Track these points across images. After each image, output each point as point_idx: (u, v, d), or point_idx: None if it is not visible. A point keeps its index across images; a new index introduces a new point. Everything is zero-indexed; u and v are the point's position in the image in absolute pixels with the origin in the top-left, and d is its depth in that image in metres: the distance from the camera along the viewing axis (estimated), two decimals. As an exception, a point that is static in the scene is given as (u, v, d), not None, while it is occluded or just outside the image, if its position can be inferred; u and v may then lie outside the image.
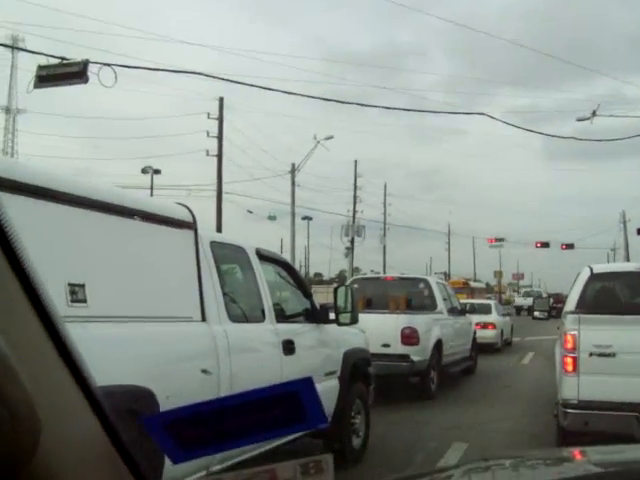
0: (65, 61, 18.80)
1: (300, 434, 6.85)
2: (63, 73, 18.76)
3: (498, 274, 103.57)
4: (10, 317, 0.80)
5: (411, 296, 16.18)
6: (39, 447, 0.79)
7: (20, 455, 0.77)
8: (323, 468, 1.13)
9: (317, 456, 1.17)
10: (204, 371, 5.38)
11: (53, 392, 0.83)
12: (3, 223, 0.79)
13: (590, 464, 2.27)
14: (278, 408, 1.03)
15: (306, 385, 1.03)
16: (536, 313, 11.97)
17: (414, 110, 45.32)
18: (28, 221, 3.48)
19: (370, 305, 15.30)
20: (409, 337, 13.77)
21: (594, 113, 27.77)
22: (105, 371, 3.81)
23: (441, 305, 16.29)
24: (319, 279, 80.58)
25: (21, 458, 0.78)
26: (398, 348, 13.66)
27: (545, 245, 60.62)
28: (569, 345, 8.37)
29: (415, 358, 13.73)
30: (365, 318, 11.53)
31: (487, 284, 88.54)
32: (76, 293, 4.21)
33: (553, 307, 12.04)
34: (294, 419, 1.04)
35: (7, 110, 65.61)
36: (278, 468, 1.12)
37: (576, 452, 2.77)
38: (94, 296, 4.35)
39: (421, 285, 16.89)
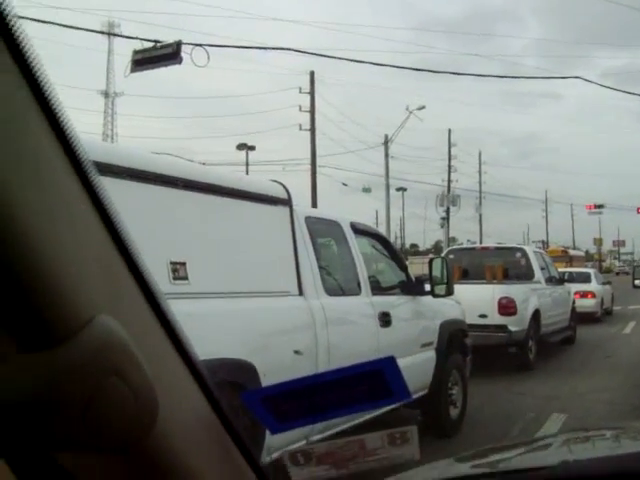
0: (159, 44, 19.18)
1: (397, 405, 6.94)
2: (157, 55, 19.17)
3: (598, 241, 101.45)
4: (121, 301, 0.87)
5: (508, 266, 16.08)
6: (156, 425, 0.88)
7: (140, 433, 0.86)
8: (408, 438, 1.21)
9: (403, 427, 1.24)
10: (296, 352, 5.49)
11: (164, 373, 0.91)
12: (106, 207, 0.85)
13: None
14: (364, 384, 1.11)
15: (389, 364, 1.11)
16: (637, 282, 11.76)
17: (507, 77, 44.63)
18: (129, 204, 3.62)
19: (466, 275, 15.38)
20: (506, 307, 13.62)
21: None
22: (209, 345, 3.97)
23: (538, 274, 16.06)
24: (415, 250, 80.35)
25: (139, 435, 0.86)
26: (495, 318, 13.53)
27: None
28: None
29: (513, 328, 13.58)
30: (461, 289, 11.52)
31: (586, 252, 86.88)
32: (178, 271, 4.36)
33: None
34: (380, 394, 1.12)
35: (106, 94, 67.15)
36: (367, 438, 1.20)
37: None
38: (195, 273, 4.49)
39: (518, 254, 16.68)
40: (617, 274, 73.53)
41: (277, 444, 4.12)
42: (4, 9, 0.69)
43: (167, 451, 0.93)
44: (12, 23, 0.70)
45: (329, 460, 1.18)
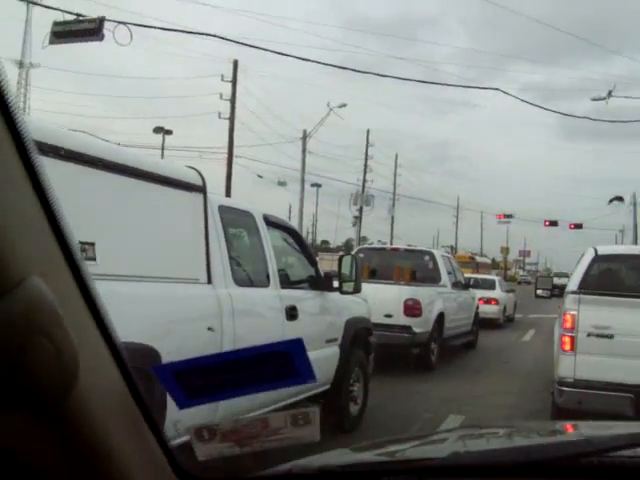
0: (81, 18, 18.80)
1: (300, 398, 6.98)
2: (78, 30, 18.79)
3: (504, 250, 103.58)
4: (49, 266, 0.89)
5: (416, 268, 16.29)
6: (76, 387, 0.88)
7: (60, 389, 0.87)
8: (311, 419, 1.24)
9: (305, 408, 1.27)
10: (209, 329, 5.48)
11: (83, 339, 0.92)
12: (41, 180, 0.87)
13: (581, 435, 2.36)
14: (272, 364, 1.14)
15: (297, 345, 1.14)
16: (539, 291, 12.04)
17: (429, 82, 45.22)
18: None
19: (375, 275, 15.52)
20: (412, 308, 13.90)
21: (610, 94, 27.68)
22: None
23: (445, 278, 16.41)
24: (325, 246, 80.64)
25: (61, 392, 0.87)
26: (400, 319, 13.80)
27: (553, 224, 60.20)
28: (568, 324, 8.45)
29: (417, 329, 13.87)
30: (369, 288, 11.69)
31: (493, 260, 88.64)
32: (86, 251, 4.29)
33: (555, 286, 12.09)
34: (287, 374, 1.15)
35: (20, 64, 65.42)
36: (270, 417, 1.23)
37: (568, 425, 2.87)
38: (104, 255, 4.43)
39: (426, 257, 17.02)
40: (519, 283, 75.35)
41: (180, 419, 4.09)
42: None
43: (85, 416, 0.94)
44: None
45: (233, 437, 1.20)
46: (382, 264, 16.40)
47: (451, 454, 1.81)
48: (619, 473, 1.68)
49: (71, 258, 0.94)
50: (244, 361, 1.14)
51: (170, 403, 1.22)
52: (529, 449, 1.92)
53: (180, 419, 3.70)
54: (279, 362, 1.13)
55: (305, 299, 7.72)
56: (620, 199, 29.16)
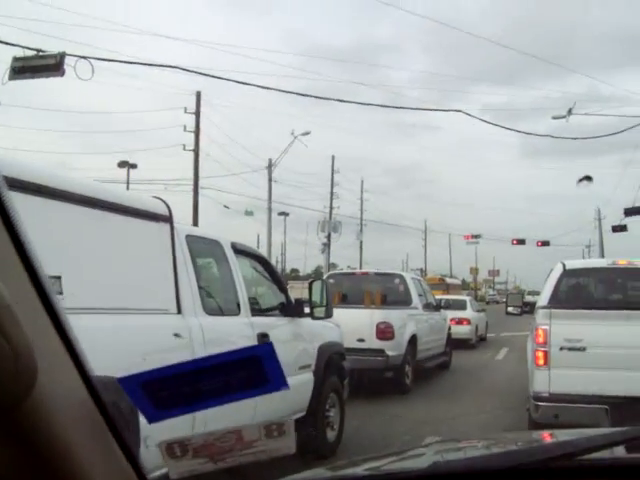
0: (41, 53, 18.71)
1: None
2: (39, 65, 18.67)
3: (474, 271, 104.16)
4: (4, 264, 0.87)
5: (386, 291, 16.29)
6: (33, 390, 0.85)
7: (18, 391, 0.84)
8: (285, 431, 1.21)
9: (280, 420, 1.24)
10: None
11: (40, 341, 0.89)
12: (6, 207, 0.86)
13: (557, 442, 2.35)
14: (242, 371, 1.11)
15: (267, 350, 1.11)
16: (509, 309, 12.08)
17: (391, 107, 45.56)
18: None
19: (346, 300, 15.51)
20: (384, 332, 13.94)
21: (570, 111, 27.96)
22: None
23: (416, 300, 16.44)
24: (295, 275, 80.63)
25: (18, 394, 0.84)
26: (373, 343, 13.83)
27: (521, 242, 60.55)
28: (540, 339, 8.49)
29: (390, 353, 13.89)
30: (341, 313, 11.66)
31: (463, 280, 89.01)
32: (52, 285, 4.22)
33: (526, 303, 12.14)
34: (258, 382, 1.12)
35: (-20, 102, 64.96)
36: (244, 429, 1.20)
37: (545, 433, 2.87)
38: (70, 288, 4.36)
39: (396, 281, 17.04)
40: (487, 303, 75.62)
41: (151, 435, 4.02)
42: None
43: (43, 419, 0.91)
44: None
45: (206, 452, 1.16)
46: (353, 289, 16.40)
47: (431, 464, 1.79)
48: (598, 473, 1.69)
49: (27, 260, 0.92)
50: (213, 368, 1.11)
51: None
52: (509, 454, 1.91)
53: (149, 435, 3.65)
54: (250, 368, 1.10)
55: (277, 326, 7.69)
56: (589, 179, 29.28)
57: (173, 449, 1.16)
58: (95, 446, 1.05)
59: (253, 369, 1.10)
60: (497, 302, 57.89)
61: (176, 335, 5.61)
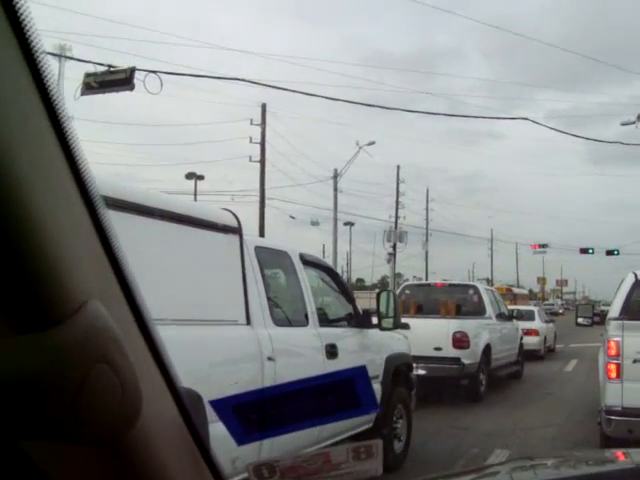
0: (112, 69, 19.07)
1: (342, 437, 6.91)
2: (110, 80, 19.04)
3: (541, 280, 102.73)
4: (107, 291, 0.88)
5: (461, 302, 16.74)
6: (139, 420, 0.86)
7: (123, 422, 0.84)
8: (373, 453, 1.21)
9: (368, 441, 1.23)
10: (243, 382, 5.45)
11: (140, 369, 0.90)
12: (97, 207, 0.88)
13: (632, 464, 2.30)
14: (334, 394, 1.11)
15: (360, 373, 1.11)
16: (579, 320, 11.88)
17: (457, 115, 45.31)
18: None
19: (422, 310, 16.01)
20: (460, 341, 14.25)
21: (639, 117, 27.50)
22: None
23: (490, 311, 16.71)
24: (361, 285, 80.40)
25: (124, 425, 0.85)
26: (449, 351, 14.16)
27: (589, 251, 59.71)
28: (612, 352, 8.33)
29: (466, 361, 14.21)
30: (417, 323, 12.87)
31: (530, 290, 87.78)
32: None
33: (596, 314, 11.93)
34: (349, 404, 1.12)
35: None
36: (332, 452, 1.20)
37: (619, 453, 2.81)
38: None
39: (470, 291, 17.43)
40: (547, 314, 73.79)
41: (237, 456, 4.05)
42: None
43: (145, 448, 0.92)
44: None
45: (293, 474, 1.16)
46: (428, 299, 16.80)
47: None
48: None
49: (125, 284, 0.93)
50: (305, 392, 1.12)
51: (228, 439, 1.19)
52: (589, 478, 1.87)
53: (239, 456, 3.68)
54: (341, 391, 1.10)
55: (344, 337, 7.68)
56: None
57: (261, 471, 1.16)
58: (187, 466, 1.06)
59: (345, 391, 1.10)
60: (556, 314, 54.57)
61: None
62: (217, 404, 1.13)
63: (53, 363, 0.76)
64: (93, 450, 0.88)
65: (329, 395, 1.11)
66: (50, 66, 0.78)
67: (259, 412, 1.11)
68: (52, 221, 0.77)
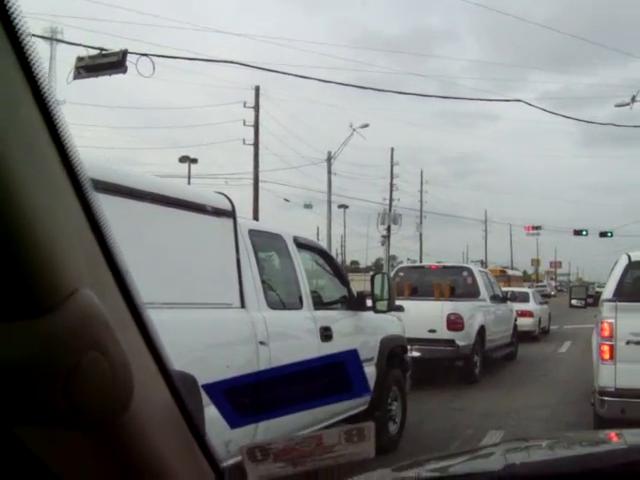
0: (104, 52, 19.00)
1: (336, 420, 6.94)
2: (102, 63, 18.98)
3: (535, 262, 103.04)
4: (98, 278, 0.88)
5: (455, 284, 16.90)
6: (130, 405, 0.87)
7: (115, 407, 0.85)
8: (365, 435, 1.22)
9: (360, 424, 1.24)
10: (237, 365, 5.46)
11: (132, 354, 0.90)
12: (88, 195, 0.88)
13: (625, 444, 2.32)
14: (326, 377, 1.12)
15: (351, 356, 1.11)
16: (573, 301, 11.91)
17: (451, 97, 45.29)
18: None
19: (416, 292, 16.10)
20: (454, 323, 14.36)
21: (634, 98, 27.51)
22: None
23: (484, 292, 16.80)
24: (355, 267, 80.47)
25: (115, 410, 0.85)
26: (444, 333, 14.28)
27: (582, 233, 59.73)
28: (606, 333, 8.36)
29: (460, 343, 14.32)
30: (411, 305, 12.78)
31: (524, 272, 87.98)
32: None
33: (590, 295, 11.95)
34: (340, 388, 1.13)
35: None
36: (324, 434, 1.21)
37: (612, 434, 2.83)
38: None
39: (464, 273, 17.51)
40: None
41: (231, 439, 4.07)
42: None
43: (138, 433, 0.93)
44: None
45: (287, 456, 1.17)
46: (422, 282, 16.90)
47: (506, 466, 1.78)
48: None
49: (116, 270, 0.93)
50: (297, 375, 1.12)
51: (221, 422, 1.20)
52: (584, 458, 1.88)
53: (232, 439, 3.69)
54: (333, 375, 1.11)
55: (339, 319, 7.70)
56: None
57: (254, 453, 1.17)
58: (180, 449, 1.06)
59: (337, 375, 1.11)
60: (548, 296, 53.36)
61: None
62: (209, 387, 1.13)
63: (45, 350, 0.76)
64: (87, 435, 0.89)
65: (321, 378, 1.12)
66: (38, 50, 0.77)
67: (252, 395, 1.12)
68: (43, 208, 0.77)
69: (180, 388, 1.09)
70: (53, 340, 0.77)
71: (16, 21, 0.74)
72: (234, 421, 1.15)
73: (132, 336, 0.95)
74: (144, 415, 0.94)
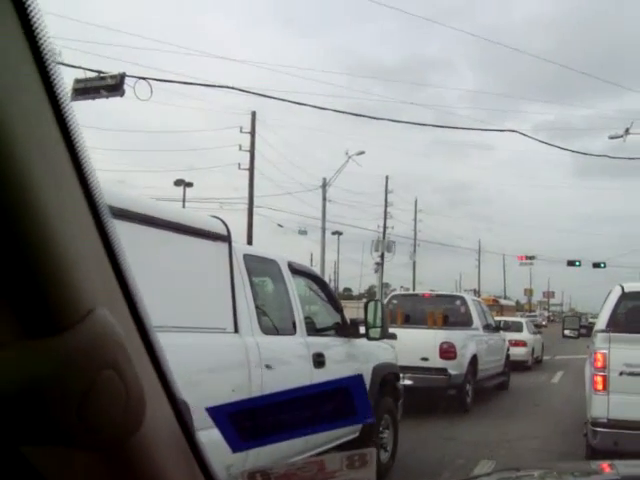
0: (102, 74, 19.06)
1: (327, 447, 6.90)
2: (100, 86, 19.02)
3: (528, 292, 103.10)
4: (112, 299, 0.88)
5: (448, 312, 16.79)
6: (142, 426, 0.86)
7: (127, 428, 0.84)
8: (367, 461, 1.21)
9: (362, 449, 1.24)
10: (232, 390, 5.44)
11: (146, 380, 0.90)
12: (103, 215, 0.88)
13: (617, 475, 2.31)
14: (330, 403, 1.11)
15: (356, 382, 1.11)
16: (566, 332, 11.91)
17: (445, 127, 45.49)
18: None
19: (409, 320, 16.04)
20: (447, 352, 14.30)
21: (627, 131, 27.63)
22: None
23: (477, 321, 16.79)
24: (348, 294, 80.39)
25: (127, 431, 0.85)
26: (436, 362, 14.20)
27: (576, 264, 59.85)
28: (599, 364, 8.35)
29: (452, 372, 14.24)
30: (404, 333, 12.75)
31: (517, 302, 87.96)
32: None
33: (583, 326, 11.97)
34: (344, 413, 1.12)
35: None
36: (326, 459, 1.20)
37: (604, 465, 2.82)
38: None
39: (458, 302, 17.51)
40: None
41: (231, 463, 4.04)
42: None
43: (145, 454, 0.92)
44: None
45: None
46: (415, 309, 16.85)
47: None
48: None
49: (127, 292, 0.93)
50: (301, 400, 1.12)
51: (223, 446, 1.19)
52: None
53: (233, 463, 3.67)
54: (337, 400, 1.10)
55: (332, 346, 7.68)
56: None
57: (255, 478, 1.16)
58: (183, 472, 1.06)
59: (341, 400, 1.10)
60: (539, 326, 51.44)
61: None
62: (213, 410, 1.13)
63: (61, 368, 0.76)
64: (94, 455, 0.88)
65: (325, 403, 1.11)
66: (62, 75, 0.79)
67: (255, 419, 1.11)
68: (62, 229, 0.77)
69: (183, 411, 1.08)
70: (69, 359, 0.77)
71: (43, 42, 0.75)
72: (236, 445, 1.14)
73: (141, 357, 0.95)
74: (152, 437, 0.94)
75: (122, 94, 19.19)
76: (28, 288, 0.75)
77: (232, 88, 24.23)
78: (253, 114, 38.04)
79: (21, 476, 0.91)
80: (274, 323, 6.72)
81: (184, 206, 40.57)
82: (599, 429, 8.22)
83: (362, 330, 8.32)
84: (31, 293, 0.75)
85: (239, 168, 38.45)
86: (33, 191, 0.73)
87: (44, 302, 0.76)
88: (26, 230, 0.73)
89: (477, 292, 75.80)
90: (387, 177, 59.27)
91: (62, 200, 0.80)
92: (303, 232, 54.05)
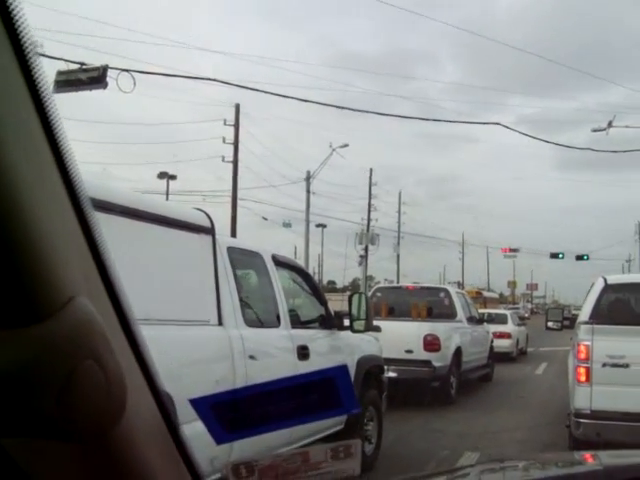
0: (84, 66, 18.95)
1: (312, 439, 6.89)
2: (82, 78, 18.90)
3: (512, 284, 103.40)
4: (93, 288, 0.87)
5: (432, 305, 16.84)
6: (123, 417, 0.85)
7: (108, 418, 0.83)
8: (352, 452, 1.21)
9: (346, 441, 1.23)
10: (215, 381, 5.43)
11: (128, 370, 0.89)
12: (83, 205, 0.87)
13: (600, 466, 2.32)
14: (315, 393, 1.10)
15: (341, 372, 1.10)
16: (549, 324, 11.95)
17: (429, 119, 45.53)
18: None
19: (393, 313, 16.13)
20: (431, 344, 14.36)
21: (610, 124, 27.70)
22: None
23: (461, 314, 16.86)
24: (332, 287, 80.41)
25: (108, 421, 0.84)
26: (421, 354, 14.27)
27: (559, 256, 60.16)
28: (582, 355, 8.39)
29: (436, 364, 14.31)
30: (389, 325, 12.69)
31: (500, 294, 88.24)
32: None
33: (566, 318, 12.01)
34: (330, 404, 1.12)
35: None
36: (311, 451, 1.19)
37: (588, 455, 2.83)
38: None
39: (442, 294, 17.56)
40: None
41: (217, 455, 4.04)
42: None
43: (127, 446, 0.91)
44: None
45: (272, 474, 1.16)
46: (399, 302, 16.87)
47: None
48: None
49: (108, 282, 0.92)
50: (286, 391, 1.11)
51: (207, 438, 1.18)
52: None
53: (217, 455, 3.66)
54: (322, 390, 1.10)
55: (316, 338, 7.68)
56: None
57: (239, 470, 1.16)
58: (166, 463, 1.05)
59: (326, 391, 1.09)
60: (522, 318, 51.18)
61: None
62: (197, 402, 1.12)
63: (40, 357, 0.76)
64: (75, 447, 0.87)
65: (310, 394, 1.11)
66: (43, 66, 0.78)
67: (239, 411, 1.10)
68: (42, 218, 0.77)
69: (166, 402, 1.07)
70: (49, 347, 0.76)
71: (23, 35, 0.75)
72: (220, 437, 1.13)
73: (122, 347, 0.94)
74: (134, 428, 0.93)
75: (105, 86, 19.07)
76: (6, 277, 0.74)
77: (214, 80, 24.21)
78: (237, 106, 37.95)
79: (1, 470, 0.90)
80: (258, 315, 6.71)
81: (167, 198, 40.48)
82: (582, 420, 8.26)
83: (346, 323, 8.33)
84: (8, 282, 0.74)
85: (223, 161, 38.39)
86: (13, 182, 0.72)
87: (22, 290, 0.75)
88: (6, 220, 0.72)
89: (461, 284, 76.00)
90: (371, 169, 59.33)
91: (43, 191, 0.79)
92: (287, 225, 54.02)
